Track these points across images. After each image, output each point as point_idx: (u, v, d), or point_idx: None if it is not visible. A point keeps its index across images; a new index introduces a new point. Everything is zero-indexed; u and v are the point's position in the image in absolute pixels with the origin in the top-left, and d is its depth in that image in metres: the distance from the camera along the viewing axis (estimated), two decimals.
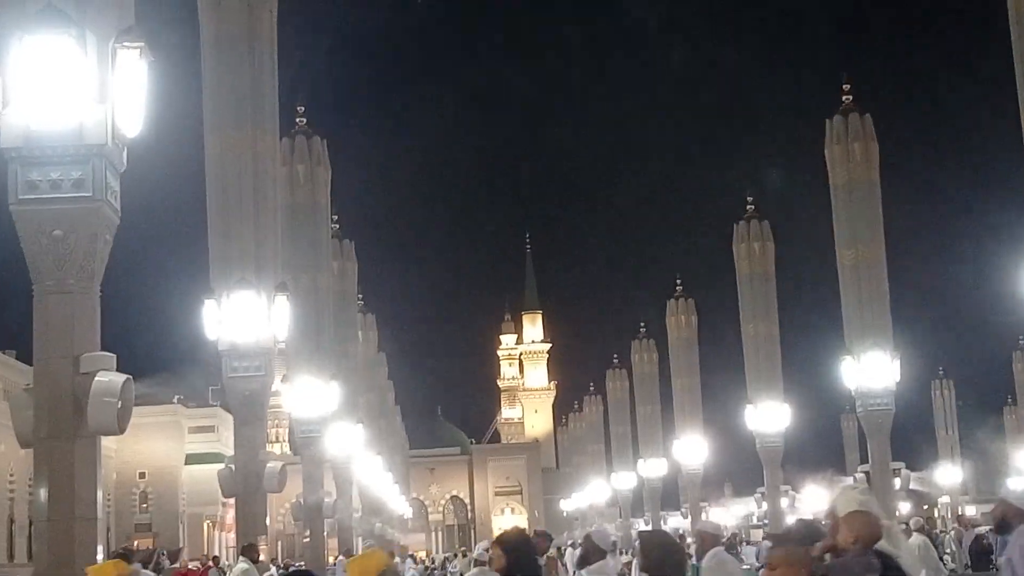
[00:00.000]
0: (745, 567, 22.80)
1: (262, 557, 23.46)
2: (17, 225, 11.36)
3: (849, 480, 45.44)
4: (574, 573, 15.64)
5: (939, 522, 61.96)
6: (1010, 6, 21.41)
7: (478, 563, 23.60)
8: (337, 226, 43.70)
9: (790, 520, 52.38)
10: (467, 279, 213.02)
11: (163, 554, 28.11)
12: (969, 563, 29.35)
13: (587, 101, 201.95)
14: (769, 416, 43.67)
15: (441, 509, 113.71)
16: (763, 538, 37.34)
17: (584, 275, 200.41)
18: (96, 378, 10.95)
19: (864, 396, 33.63)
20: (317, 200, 35.66)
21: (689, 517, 56.17)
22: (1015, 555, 7.78)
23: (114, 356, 11.26)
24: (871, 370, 33.64)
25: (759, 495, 47.51)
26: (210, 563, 34.86)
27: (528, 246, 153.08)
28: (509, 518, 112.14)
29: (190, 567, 33.32)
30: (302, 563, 32.11)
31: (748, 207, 46.56)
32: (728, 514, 79.40)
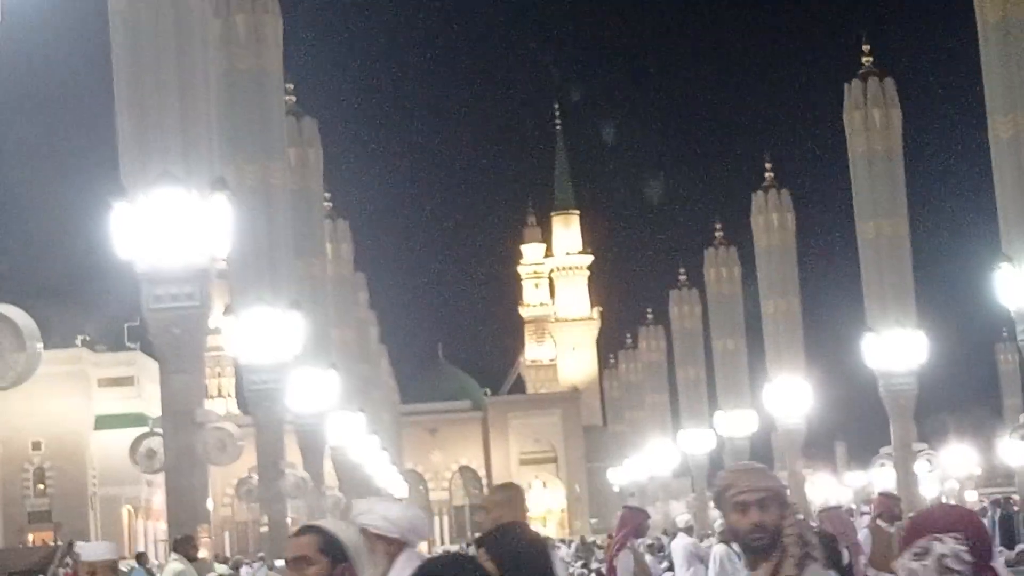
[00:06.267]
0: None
1: (202, 553, 23.70)
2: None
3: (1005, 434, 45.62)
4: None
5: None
6: None
7: None
8: (294, 99, 43.57)
9: (929, 490, 52.74)
10: (474, 170, 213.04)
11: (71, 547, 28.45)
12: None
13: None
14: (898, 349, 43.73)
15: (446, 484, 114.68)
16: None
17: (637, 161, 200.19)
18: None
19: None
20: (266, 64, 35.53)
21: (787, 487, 56.45)
22: None
23: None
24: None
25: (884, 458, 47.62)
26: (132, 562, 35.31)
27: (557, 121, 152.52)
28: (540, 494, 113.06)
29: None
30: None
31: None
32: (841, 484, 79.95)
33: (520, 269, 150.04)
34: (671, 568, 22.69)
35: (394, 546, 6.74)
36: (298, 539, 5.62)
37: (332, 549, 5.50)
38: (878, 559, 15.40)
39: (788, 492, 5.44)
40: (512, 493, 7.88)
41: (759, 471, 5.49)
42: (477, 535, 6.91)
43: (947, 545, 4.71)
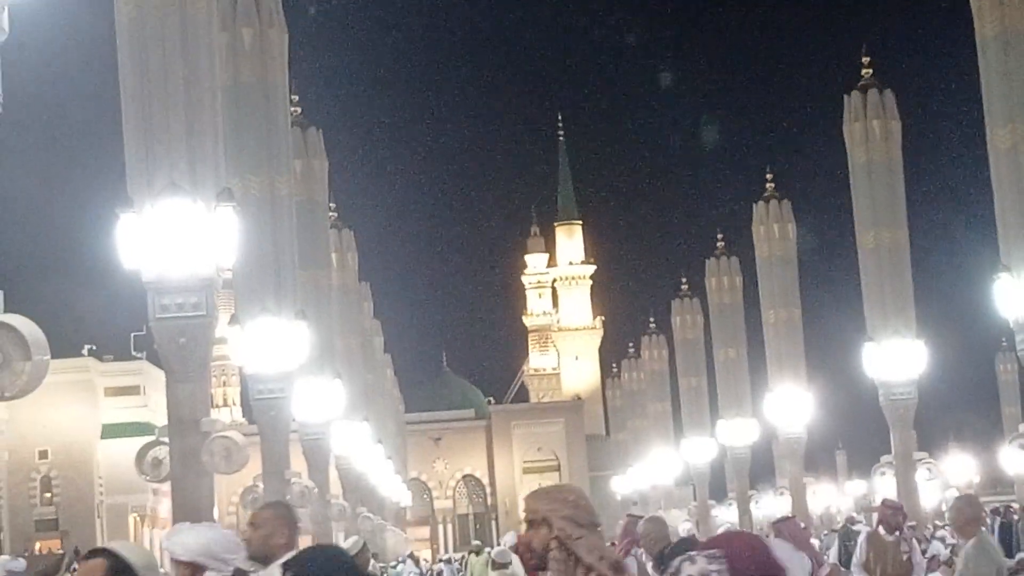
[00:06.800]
0: None
1: None
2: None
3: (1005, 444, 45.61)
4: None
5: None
6: None
7: (497, 565, 23.76)
8: (299, 110, 43.61)
9: (930, 499, 52.69)
10: (479, 180, 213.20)
11: (76, 555, 28.50)
12: None
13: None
14: (898, 358, 43.70)
15: (450, 493, 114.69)
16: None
17: (638, 172, 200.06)
18: None
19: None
20: (271, 76, 35.56)
21: (788, 495, 56.45)
22: None
23: None
24: None
25: (884, 467, 47.58)
26: None
27: (561, 132, 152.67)
28: None
29: None
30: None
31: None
32: (842, 493, 79.85)
33: (524, 279, 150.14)
34: None
35: (190, 569, 6.91)
36: (87, 563, 5.52)
37: (121, 572, 5.42)
38: (873, 567, 15.39)
39: (568, 512, 5.44)
40: (280, 511, 7.98)
41: (538, 493, 5.63)
42: (283, 560, 6.98)
43: (697, 565, 4.67)
